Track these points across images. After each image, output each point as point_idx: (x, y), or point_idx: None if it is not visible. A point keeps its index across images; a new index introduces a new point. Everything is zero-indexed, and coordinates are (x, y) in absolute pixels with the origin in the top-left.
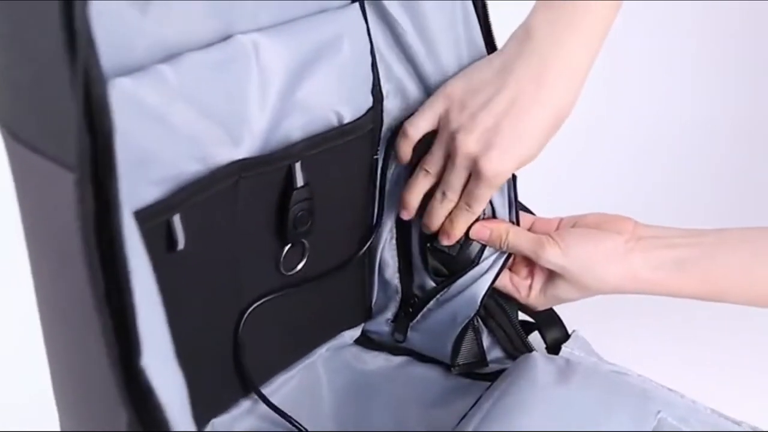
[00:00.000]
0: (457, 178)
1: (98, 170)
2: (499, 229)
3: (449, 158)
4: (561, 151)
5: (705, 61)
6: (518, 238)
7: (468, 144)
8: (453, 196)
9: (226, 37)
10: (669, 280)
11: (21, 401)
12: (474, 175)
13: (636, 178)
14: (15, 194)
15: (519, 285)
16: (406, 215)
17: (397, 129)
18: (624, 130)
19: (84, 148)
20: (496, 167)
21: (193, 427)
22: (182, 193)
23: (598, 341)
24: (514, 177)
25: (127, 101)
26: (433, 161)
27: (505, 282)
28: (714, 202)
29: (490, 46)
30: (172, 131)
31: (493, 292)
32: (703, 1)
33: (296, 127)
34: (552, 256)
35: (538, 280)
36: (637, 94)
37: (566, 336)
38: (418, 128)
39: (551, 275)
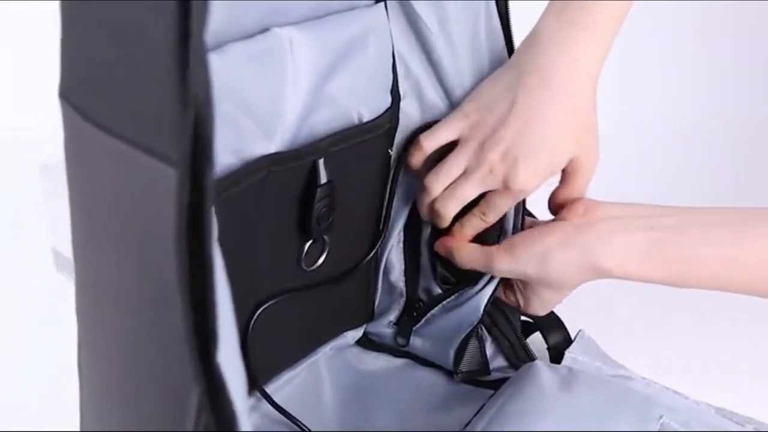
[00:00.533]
0: (470, 192)
1: (196, 165)
2: (451, 248)
3: (466, 172)
4: None
5: (705, 60)
6: (470, 255)
7: (492, 164)
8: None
9: (263, 30)
10: (633, 266)
11: (21, 401)
12: (503, 190)
13: (636, 177)
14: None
15: (509, 296)
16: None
17: (412, 135)
18: (624, 130)
19: (187, 143)
20: (524, 182)
21: (249, 427)
22: (217, 185)
23: (603, 340)
24: None
25: None
26: (448, 174)
27: (500, 294)
28: (714, 202)
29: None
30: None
31: (496, 300)
32: (704, 1)
33: (321, 123)
34: (503, 265)
35: (517, 290)
36: (638, 94)
37: (568, 340)
38: (433, 143)
39: (522, 282)
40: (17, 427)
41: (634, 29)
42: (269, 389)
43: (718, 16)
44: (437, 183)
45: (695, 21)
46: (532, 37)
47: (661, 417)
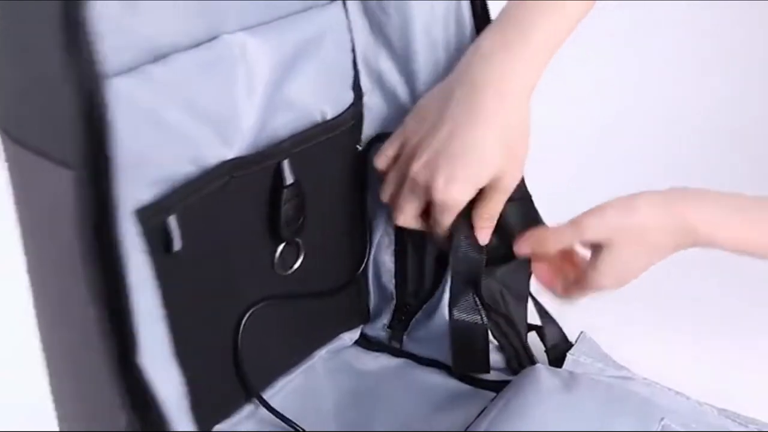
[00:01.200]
0: (410, 205)
1: (97, 169)
2: (539, 236)
3: (403, 185)
4: (565, 152)
5: (706, 60)
6: (555, 238)
7: (416, 173)
8: (409, 220)
9: (213, 37)
10: (723, 225)
11: (21, 401)
12: (433, 202)
13: (638, 179)
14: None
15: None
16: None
17: (375, 138)
18: (626, 131)
19: (83, 146)
20: (443, 192)
21: (192, 427)
22: (176, 194)
23: (604, 341)
24: (522, 179)
25: (122, 102)
26: (387, 189)
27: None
28: None
29: None
30: (164, 132)
31: (505, 304)
32: (706, 1)
33: (283, 125)
34: (590, 222)
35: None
36: (638, 95)
37: (566, 341)
38: (383, 160)
39: (595, 249)
40: (17, 427)
41: (634, 29)
42: (265, 396)
43: (722, 16)
44: (384, 196)
45: (695, 21)
46: (473, 51)
47: (662, 419)
